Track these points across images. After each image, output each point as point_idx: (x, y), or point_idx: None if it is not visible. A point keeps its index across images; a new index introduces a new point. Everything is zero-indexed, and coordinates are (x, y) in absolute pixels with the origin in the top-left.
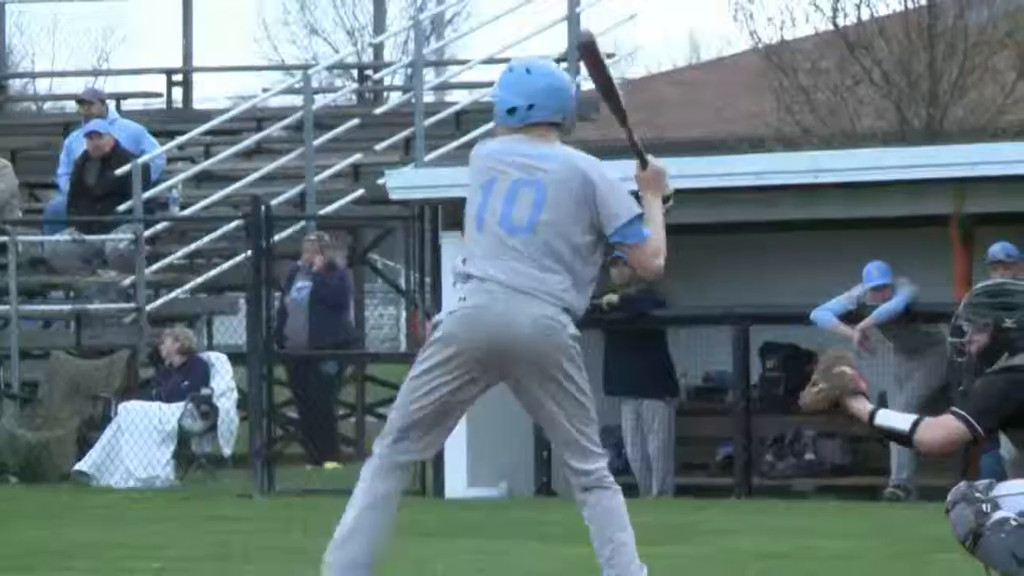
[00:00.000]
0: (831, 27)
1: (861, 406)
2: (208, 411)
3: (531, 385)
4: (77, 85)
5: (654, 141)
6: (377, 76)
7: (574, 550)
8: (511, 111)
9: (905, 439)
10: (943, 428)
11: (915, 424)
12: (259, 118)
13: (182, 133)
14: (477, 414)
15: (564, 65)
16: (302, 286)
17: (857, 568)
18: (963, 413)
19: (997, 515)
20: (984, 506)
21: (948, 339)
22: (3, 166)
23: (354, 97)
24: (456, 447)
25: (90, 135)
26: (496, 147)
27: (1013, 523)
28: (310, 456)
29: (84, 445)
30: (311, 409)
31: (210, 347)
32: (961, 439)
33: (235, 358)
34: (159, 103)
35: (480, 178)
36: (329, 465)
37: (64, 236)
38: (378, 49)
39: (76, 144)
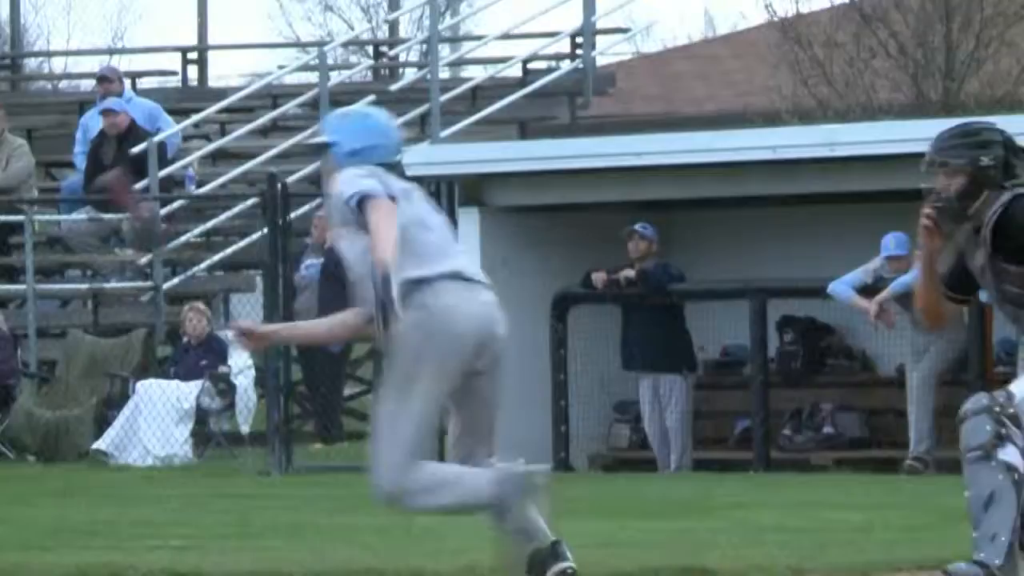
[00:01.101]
0: (846, 0)
1: None
2: (226, 389)
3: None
4: (92, 64)
5: (669, 116)
6: (392, 52)
7: (590, 524)
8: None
9: None
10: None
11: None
12: (274, 95)
13: (198, 111)
14: None
15: (580, 40)
16: (312, 263)
17: (875, 541)
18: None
19: (1007, 454)
20: (1003, 430)
21: (921, 187)
22: (19, 145)
23: (369, 74)
24: None
25: (105, 113)
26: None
27: (1020, 473)
28: (318, 433)
29: (102, 424)
30: (318, 387)
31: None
32: None
33: None
34: (174, 81)
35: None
36: (318, 446)
37: (81, 215)
38: (393, 25)
39: (92, 123)
